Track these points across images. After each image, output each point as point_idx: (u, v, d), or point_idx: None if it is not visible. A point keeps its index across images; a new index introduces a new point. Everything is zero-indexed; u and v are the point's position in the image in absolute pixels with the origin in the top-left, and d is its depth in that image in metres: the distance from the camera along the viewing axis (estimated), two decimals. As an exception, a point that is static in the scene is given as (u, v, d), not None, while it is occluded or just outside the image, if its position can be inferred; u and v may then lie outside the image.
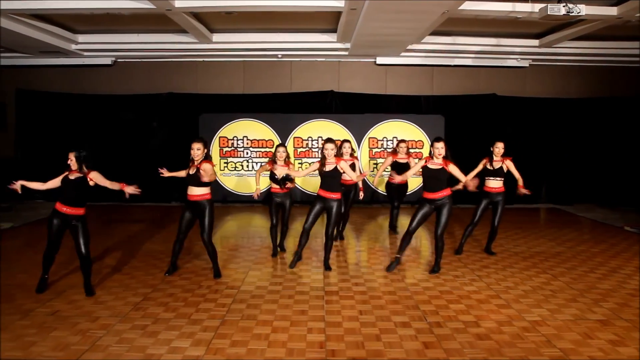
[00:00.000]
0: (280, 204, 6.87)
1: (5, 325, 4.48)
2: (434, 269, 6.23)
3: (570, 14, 7.45)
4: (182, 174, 6.03)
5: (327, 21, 9.65)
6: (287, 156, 6.77)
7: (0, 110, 11.71)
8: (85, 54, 11.47)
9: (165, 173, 6.21)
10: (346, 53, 11.30)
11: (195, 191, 5.79)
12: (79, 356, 3.88)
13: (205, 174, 5.62)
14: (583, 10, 7.47)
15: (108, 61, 11.89)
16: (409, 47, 10.76)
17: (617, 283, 5.83)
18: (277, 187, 6.76)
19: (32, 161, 12.01)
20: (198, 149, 5.73)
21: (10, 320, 4.58)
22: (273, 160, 6.71)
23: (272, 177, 6.72)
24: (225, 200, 11.62)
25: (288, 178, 6.66)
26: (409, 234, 6.14)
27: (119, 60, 12.12)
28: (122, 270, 6.29)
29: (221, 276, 5.99)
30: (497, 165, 6.91)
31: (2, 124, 11.73)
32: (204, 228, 5.83)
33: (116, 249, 7.38)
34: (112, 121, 12.00)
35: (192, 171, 5.77)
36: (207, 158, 5.82)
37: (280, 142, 11.68)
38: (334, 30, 10.15)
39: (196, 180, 5.73)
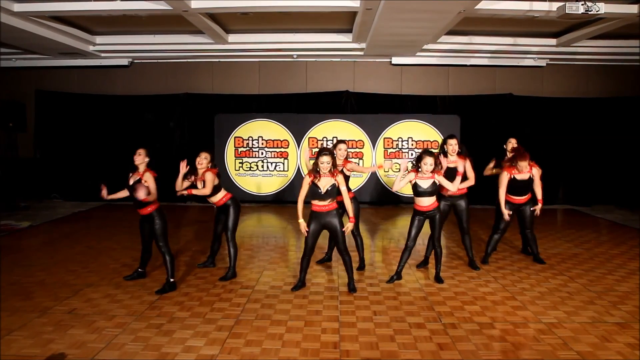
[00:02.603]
0: (325, 226, 5.43)
1: (24, 322, 4.55)
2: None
3: (589, 13, 7.32)
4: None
5: (342, 21, 9.63)
6: (334, 164, 5.35)
7: (20, 111, 11.88)
8: (103, 55, 11.60)
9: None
10: (361, 53, 11.27)
11: (216, 197, 5.95)
12: (95, 354, 3.93)
13: (206, 184, 5.78)
14: (602, 8, 7.33)
15: (125, 62, 12.00)
16: (425, 47, 10.68)
17: (636, 285, 5.73)
18: (320, 203, 5.34)
19: (51, 161, 12.20)
20: (205, 159, 5.83)
21: (29, 318, 4.66)
22: (315, 170, 5.29)
23: (315, 190, 5.33)
24: (240, 200, 11.62)
25: (333, 192, 5.33)
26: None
27: (135, 61, 12.23)
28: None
29: (233, 278, 5.99)
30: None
31: (21, 125, 11.91)
32: (227, 227, 5.98)
33: (134, 247, 7.41)
34: (128, 121, 12.09)
35: (200, 185, 5.87)
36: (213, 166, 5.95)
37: (295, 141, 11.71)
38: (350, 31, 10.13)
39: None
